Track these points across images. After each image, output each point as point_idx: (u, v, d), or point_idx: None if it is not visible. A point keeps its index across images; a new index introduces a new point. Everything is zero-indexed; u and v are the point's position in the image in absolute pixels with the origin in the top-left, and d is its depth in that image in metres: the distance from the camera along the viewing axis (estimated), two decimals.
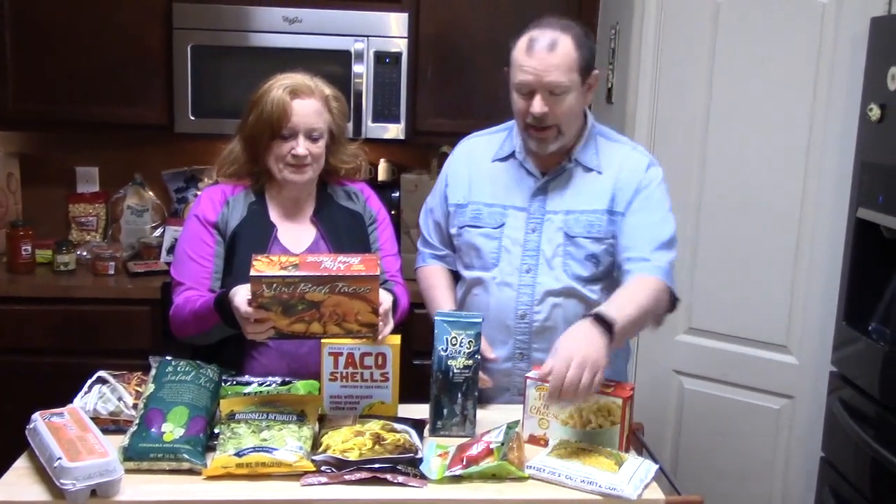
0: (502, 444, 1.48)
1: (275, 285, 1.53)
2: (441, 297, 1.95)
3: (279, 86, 1.82)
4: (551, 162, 1.88)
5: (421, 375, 1.80)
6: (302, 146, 1.81)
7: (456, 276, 2.00)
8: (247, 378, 1.70)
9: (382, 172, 3.13)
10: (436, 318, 1.67)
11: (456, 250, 1.98)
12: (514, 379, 1.86)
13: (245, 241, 1.83)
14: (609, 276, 1.88)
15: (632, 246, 1.81)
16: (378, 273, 1.58)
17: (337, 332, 1.58)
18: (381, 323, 1.61)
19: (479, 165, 1.94)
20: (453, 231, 1.95)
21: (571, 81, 1.77)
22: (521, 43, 1.79)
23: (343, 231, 1.91)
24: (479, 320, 1.66)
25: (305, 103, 1.82)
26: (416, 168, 3.05)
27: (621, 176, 1.86)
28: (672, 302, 1.81)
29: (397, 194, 2.92)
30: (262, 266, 1.56)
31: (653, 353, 2.55)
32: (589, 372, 1.51)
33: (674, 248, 1.84)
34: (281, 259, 1.58)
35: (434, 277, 2.00)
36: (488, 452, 1.47)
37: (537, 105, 1.77)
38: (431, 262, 2.03)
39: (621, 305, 1.66)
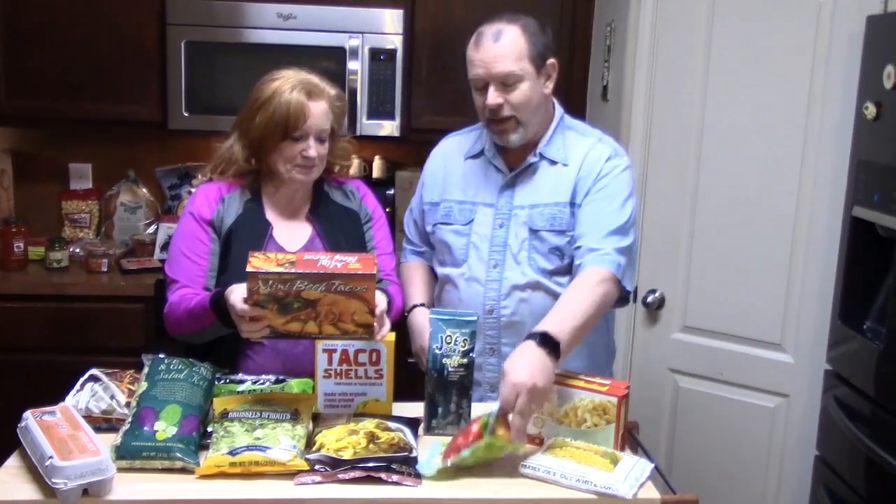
0: (487, 422, 1.48)
1: (271, 282, 1.51)
2: (415, 292, 2.02)
3: (292, 86, 1.79)
4: (519, 157, 1.90)
5: (415, 374, 1.79)
6: (313, 148, 1.81)
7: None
8: (240, 376, 1.69)
9: (377, 169, 3.13)
10: (430, 316, 1.66)
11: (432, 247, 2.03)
12: (486, 374, 1.89)
13: (240, 239, 1.82)
14: (567, 268, 1.88)
15: (582, 234, 1.82)
16: (375, 272, 1.56)
17: (332, 333, 1.56)
18: (376, 325, 1.60)
19: (453, 163, 1.98)
20: (428, 229, 2.00)
21: (522, 70, 1.79)
22: (471, 40, 1.84)
23: (339, 229, 1.91)
24: (474, 319, 1.66)
25: (318, 105, 1.81)
26: (411, 165, 3.05)
27: (583, 168, 1.87)
28: (622, 292, 1.80)
29: (392, 191, 2.95)
30: (258, 263, 1.55)
31: (648, 352, 2.55)
32: (537, 402, 1.52)
33: (628, 235, 1.82)
34: (277, 256, 1.57)
35: (410, 271, 2.07)
36: (477, 436, 1.46)
37: (491, 96, 1.80)
38: (412, 258, 2.10)
39: (563, 317, 1.64)
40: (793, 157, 2.28)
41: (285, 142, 1.80)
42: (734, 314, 2.42)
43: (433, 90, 2.91)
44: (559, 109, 1.95)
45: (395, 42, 2.83)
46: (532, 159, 1.89)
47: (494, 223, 1.89)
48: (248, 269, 1.53)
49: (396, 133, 2.88)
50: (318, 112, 1.81)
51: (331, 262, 1.56)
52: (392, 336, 1.67)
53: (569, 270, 1.87)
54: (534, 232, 1.86)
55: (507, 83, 1.80)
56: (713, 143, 2.41)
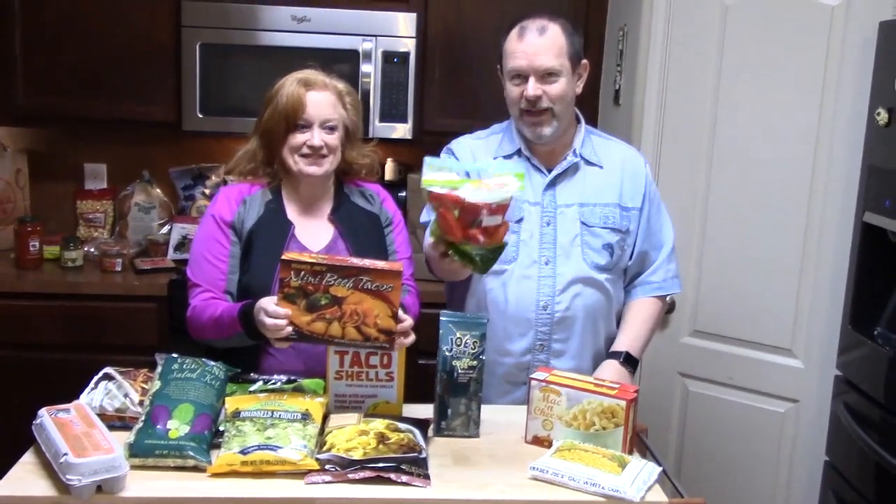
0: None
1: (303, 273, 1.55)
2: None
3: (293, 79, 1.84)
4: (554, 158, 1.95)
5: (426, 375, 1.79)
6: (317, 136, 1.81)
7: None
8: (252, 376, 1.69)
9: (389, 172, 3.13)
10: (441, 318, 1.67)
11: None
12: (531, 371, 1.86)
13: (262, 239, 1.83)
14: (617, 266, 1.96)
15: (644, 261, 1.99)
16: (402, 269, 1.59)
17: (355, 338, 1.58)
18: (400, 337, 1.62)
19: (487, 163, 1.97)
20: None
21: (562, 66, 1.85)
22: (513, 32, 1.87)
23: (360, 231, 1.91)
24: (485, 321, 1.67)
25: (319, 95, 1.83)
26: (421, 168, 3.04)
27: (626, 173, 1.97)
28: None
29: (404, 194, 2.93)
30: (292, 255, 1.59)
31: (657, 356, 2.53)
32: None
33: (675, 250, 2.03)
34: (310, 255, 1.62)
35: None
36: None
37: (531, 87, 1.84)
38: None
39: (637, 336, 1.95)
40: (804, 163, 2.28)
41: (291, 133, 1.82)
42: (744, 318, 2.41)
43: (445, 93, 2.91)
44: (581, 116, 2.00)
45: (407, 45, 2.84)
46: (573, 159, 1.94)
47: (542, 221, 1.92)
48: (284, 257, 1.57)
49: (409, 136, 2.88)
50: (319, 101, 1.82)
51: (360, 260, 1.60)
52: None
53: (612, 268, 1.94)
54: (588, 227, 1.92)
55: (547, 76, 1.84)
56: (725, 147, 2.40)
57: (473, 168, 1.65)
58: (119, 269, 2.88)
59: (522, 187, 1.54)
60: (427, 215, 1.95)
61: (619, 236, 1.94)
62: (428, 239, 1.88)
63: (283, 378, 1.68)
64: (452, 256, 1.54)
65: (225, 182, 1.93)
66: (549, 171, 1.94)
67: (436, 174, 1.54)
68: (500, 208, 1.51)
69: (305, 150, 1.83)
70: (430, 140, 2.90)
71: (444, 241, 1.53)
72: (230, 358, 1.73)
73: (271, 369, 1.77)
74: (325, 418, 1.60)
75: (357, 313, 1.57)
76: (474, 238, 1.51)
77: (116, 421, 1.56)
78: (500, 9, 2.83)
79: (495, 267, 1.84)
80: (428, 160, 1.56)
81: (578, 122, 1.99)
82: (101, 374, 1.65)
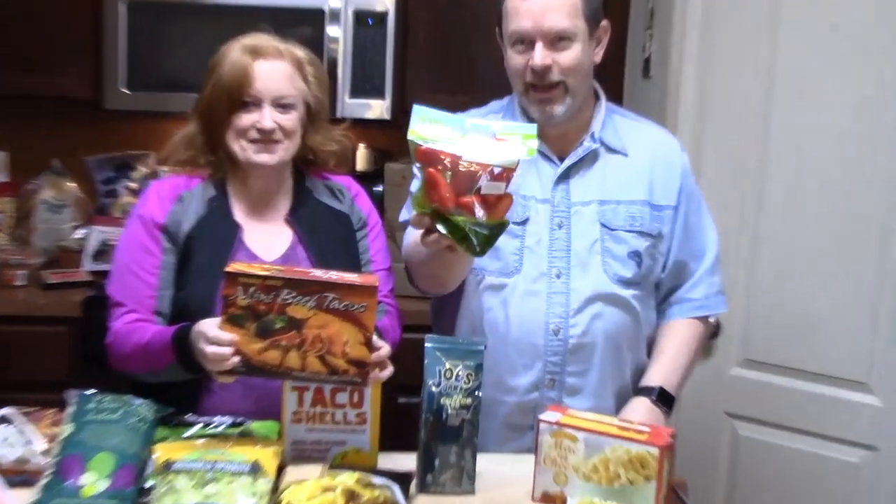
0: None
1: (253, 289, 1.55)
2: None
3: (239, 46, 1.85)
4: (567, 144, 1.95)
5: (407, 417, 1.80)
6: (268, 117, 1.82)
7: None
8: (189, 418, 1.69)
9: (362, 161, 3.13)
10: (426, 344, 1.67)
11: None
12: (540, 411, 1.82)
13: (203, 246, 1.84)
14: (647, 280, 1.97)
15: (681, 274, 2.00)
16: (378, 284, 1.61)
17: (318, 371, 1.59)
18: (375, 370, 1.63)
19: None
20: None
21: (577, 28, 1.84)
22: None
23: (326, 235, 1.92)
24: (481, 348, 1.67)
25: (271, 65, 1.84)
26: (404, 156, 2.98)
27: (657, 162, 1.97)
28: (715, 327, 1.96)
29: (381, 188, 2.92)
30: (240, 266, 1.60)
31: (699, 391, 2.51)
32: None
33: (719, 260, 2.03)
34: (262, 265, 1.62)
35: None
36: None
37: (539, 55, 1.83)
38: None
39: (673, 369, 1.95)
40: (882, 154, 2.27)
41: (235, 113, 1.83)
42: (807, 345, 2.41)
43: (433, 62, 2.92)
44: (601, 91, 2.01)
45: (385, 3, 2.84)
46: (591, 145, 1.94)
47: (552, 223, 1.92)
48: (228, 269, 1.57)
49: (386, 115, 2.90)
50: (271, 73, 1.83)
51: (325, 273, 1.61)
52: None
53: (641, 281, 1.94)
54: (610, 231, 1.92)
55: (557, 40, 1.84)
56: (784, 132, 2.39)
57: (474, 124, 1.63)
58: (22, 283, 2.86)
59: (532, 151, 1.55)
60: (407, 213, 1.94)
61: (649, 242, 1.94)
62: (407, 213, 1.92)
63: (228, 420, 1.67)
64: (440, 233, 1.54)
65: (156, 174, 1.95)
66: (562, 159, 1.95)
67: (426, 126, 1.55)
68: (504, 174, 1.52)
69: (254, 134, 1.84)
70: None
71: (432, 211, 1.54)
72: (161, 395, 1.72)
73: (213, 409, 1.76)
74: (281, 471, 1.59)
75: (321, 339, 1.58)
76: (469, 207, 1.52)
77: (16, 475, 1.53)
78: None
79: (494, 280, 1.94)
80: (418, 109, 1.57)
81: (598, 98, 2.00)
82: None
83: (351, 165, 2.12)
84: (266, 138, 1.84)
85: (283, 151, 1.87)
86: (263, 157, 1.85)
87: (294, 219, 1.92)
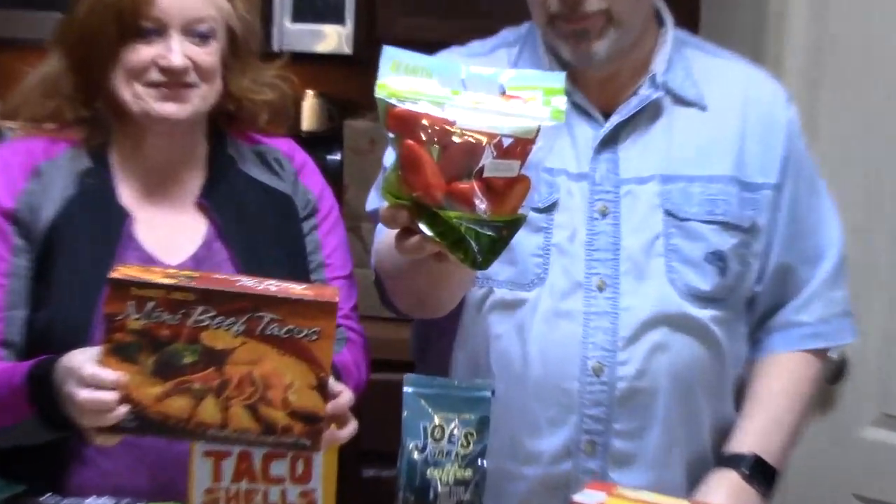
0: None
1: (150, 306, 1.52)
2: None
3: None
4: (615, 93, 1.93)
5: (377, 496, 1.83)
6: (177, 51, 1.81)
7: None
8: (49, 499, 1.69)
9: (310, 116, 3.23)
10: (405, 389, 1.67)
11: None
12: (575, 489, 1.82)
13: (73, 242, 1.84)
14: (734, 295, 1.94)
15: (787, 285, 1.98)
16: (336, 300, 1.58)
17: (245, 428, 1.57)
18: (331, 426, 1.64)
19: None
20: None
21: None
22: None
23: (256, 225, 1.94)
24: (488, 395, 1.67)
25: None
26: (371, 109, 3.02)
27: (751, 118, 1.95)
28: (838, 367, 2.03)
29: (339, 157, 3.01)
30: (130, 271, 1.58)
31: (815, 462, 2.54)
32: None
33: (844, 267, 2.02)
34: (164, 270, 1.63)
35: None
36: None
37: None
38: None
39: (774, 425, 1.92)
40: None
41: (127, 44, 1.81)
42: None
43: None
44: (667, 14, 2.01)
45: None
46: (651, 94, 1.91)
47: (592, 210, 1.90)
48: (113, 275, 1.54)
49: (346, 49, 3.00)
50: None
51: (259, 283, 1.60)
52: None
53: (726, 298, 1.93)
54: (679, 222, 1.89)
55: None
56: None
57: (474, 73, 1.54)
58: None
59: (560, 113, 1.46)
60: (378, 198, 1.93)
61: (738, 238, 1.91)
62: (378, 199, 1.90)
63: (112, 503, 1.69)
64: (424, 234, 1.46)
65: (1, 135, 1.98)
66: (607, 116, 1.93)
67: (403, 78, 1.47)
68: (518, 148, 1.44)
69: (155, 76, 1.82)
70: None
71: (412, 203, 1.46)
72: (13, 465, 1.75)
73: (87, 486, 1.76)
74: None
75: (252, 382, 1.55)
76: (466, 197, 1.43)
77: None
78: None
79: (506, 295, 1.93)
80: (390, 52, 1.49)
81: (661, 25, 2.00)
82: None
83: (294, 123, 2.26)
84: (174, 81, 1.82)
85: (200, 100, 1.85)
86: (169, 109, 1.83)
87: (210, 202, 1.92)
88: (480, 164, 1.41)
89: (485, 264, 1.46)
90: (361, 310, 2.00)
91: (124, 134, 1.91)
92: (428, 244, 1.45)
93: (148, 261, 1.84)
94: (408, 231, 1.46)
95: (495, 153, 1.41)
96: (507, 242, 1.47)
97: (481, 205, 1.42)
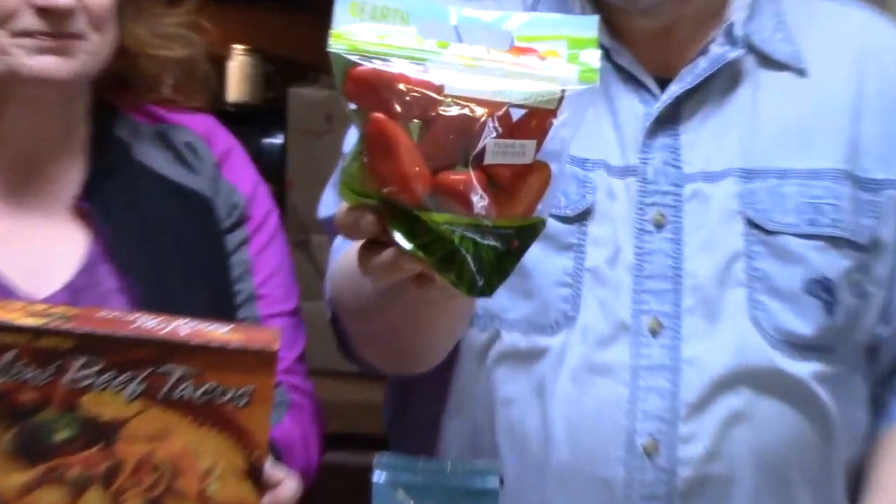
0: None
1: (9, 356, 1.47)
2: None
3: None
4: (675, 51, 1.86)
5: None
6: None
7: None
8: None
9: (238, 82, 3.39)
10: (378, 476, 1.57)
11: None
12: None
13: None
14: (848, 340, 1.84)
15: None
16: (276, 347, 1.50)
17: None
18: None
19: None
20: None
21: None
22: None
23: (159, 240, 1.88)
24: (494, 487, 1.61)
25: None
26: (326, 71, 3.07)
27: (869, 86, 1.87)
28: None
29: (281, 140, 3.09)
30: None
31: None
32: None
33: None
34: (30, 306, 1.56)
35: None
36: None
37: None
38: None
39: None
40: None
41: None
42: None
43: None
44: None
45: None
46: (725, 51, 1.82)
47: (642, 217, 1.80)
48: None
49: None
50: None
51: (165, 324, 1.52)
52: None
53: (835, 345, 1.84)
54: (766, 236, 1.80)
55: None
56: None
57: (467, 17, 1.46)
58: None
59: (592, 72, 1.36)
60: (335, 199, 1.78)
61: (854, 259, 1.80)
62: (335, 201, 1.75)
63: None
64: (400, 247, 1.37)
65: None
66: (664, 85, 1.83)
67: (367, 26, 1.38)
68: (534, 123, 1.34)
69: (28, 21, 1.73)
70: None
71: (381, 201, 1.35)
72: None
73: None
74: None
75: (154, 466, 1.49)
76: (458, 193, 1.36)
77: None
78: None
79: (518, 341, 1.90)
80: None
81: None
82: None
83: (215, 92, 2.13)
84: (56, 30, 1.74)
85: (89, 56, 1.77)
86: (49, 63, 1.75)
87: (93, 205, 1.81)
88: (480, 147, 1.35)
89: (487, 290, 1.39)
90: (312, 361, 1.91)
91: None
92: (405, 261, 1.37)
93: (4, 292, 1.78)
94: (377, 243, 1.38)
95: (500, 131, 1.35)
96: (519, 258, 1.41)
97: (481, 203, 1.36)
